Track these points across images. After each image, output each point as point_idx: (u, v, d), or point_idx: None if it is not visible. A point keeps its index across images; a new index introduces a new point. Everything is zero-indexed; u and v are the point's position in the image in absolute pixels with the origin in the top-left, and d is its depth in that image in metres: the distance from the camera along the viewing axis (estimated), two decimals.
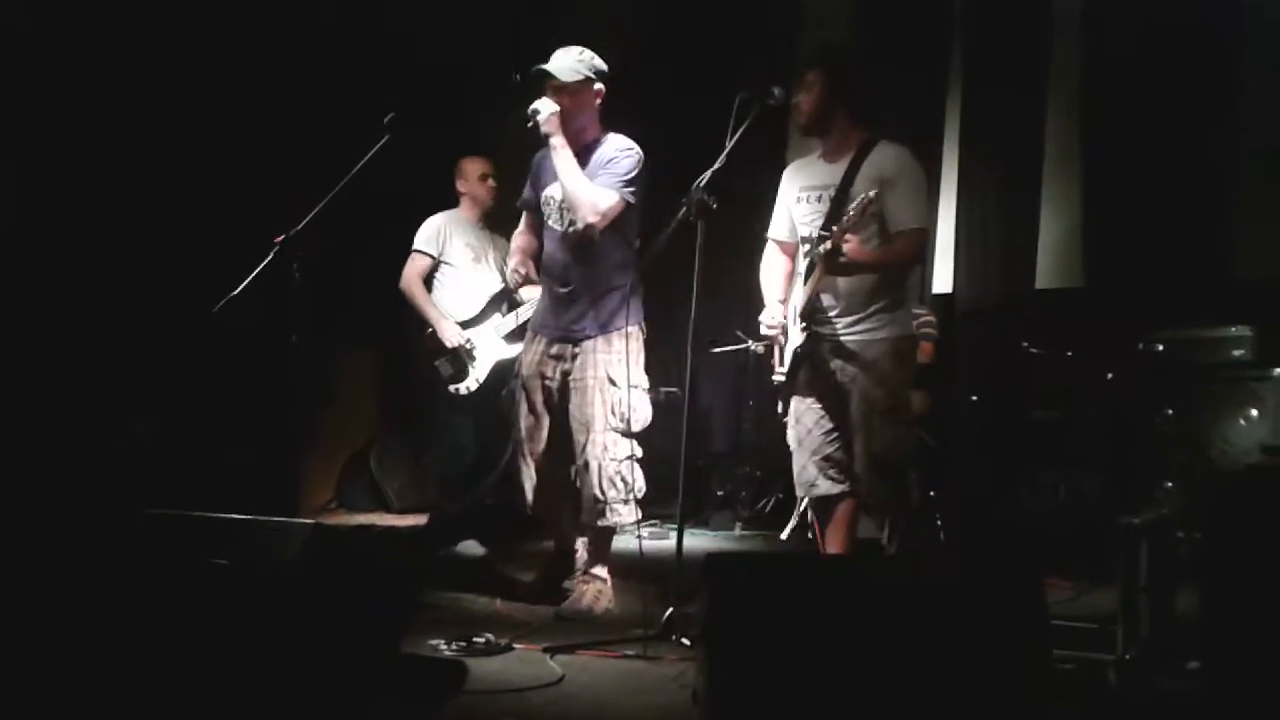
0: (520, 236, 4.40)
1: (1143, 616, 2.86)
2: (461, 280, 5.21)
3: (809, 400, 3.94)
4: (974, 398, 5.82)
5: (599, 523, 4.06)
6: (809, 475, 3.96)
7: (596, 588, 4.13)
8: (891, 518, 3.88)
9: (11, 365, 4.72)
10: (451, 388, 5.08)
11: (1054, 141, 6.51)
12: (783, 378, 3.98)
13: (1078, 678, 2.91)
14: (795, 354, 3.90)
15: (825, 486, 3.93)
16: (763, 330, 4.03)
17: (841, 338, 3.84)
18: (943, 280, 6.70)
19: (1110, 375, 5.46)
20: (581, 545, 4.30)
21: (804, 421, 3.96)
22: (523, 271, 4.29)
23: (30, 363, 4.79)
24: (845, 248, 3.57)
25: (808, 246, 3.88)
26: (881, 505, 3.88)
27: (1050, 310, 6.30)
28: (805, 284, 3.85)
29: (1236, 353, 5.08)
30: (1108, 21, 6.28)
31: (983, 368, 6.16)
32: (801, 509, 5.88)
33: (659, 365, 6.88)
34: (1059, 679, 2.78)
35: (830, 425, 3.91)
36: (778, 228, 4.09)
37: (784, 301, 4.01)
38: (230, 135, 5.54)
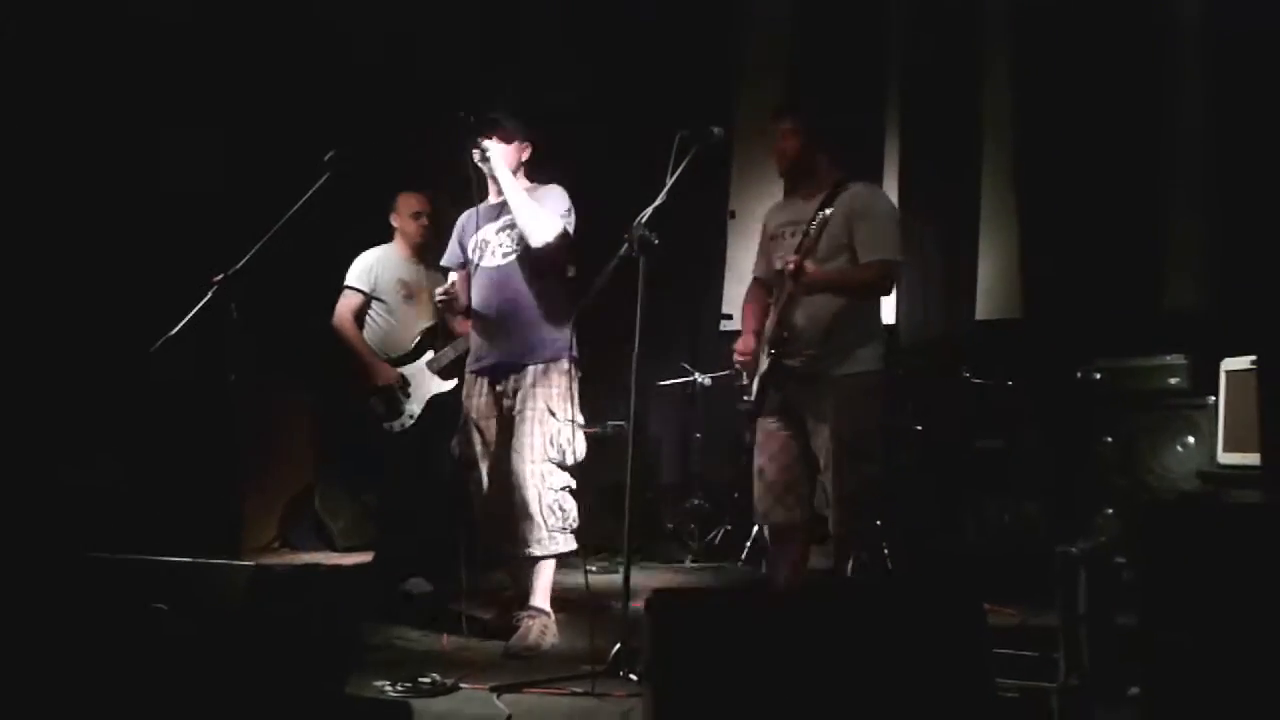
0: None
1: (1083, 644, 2.89)
2: (394, 317, 5.16)
3: (773, 428, 3.97)
4: (917, 427, 5.88)
5: (537, 551, 4.09)
6: (767, 503, 3.98)
7: (541, 623, 4.12)
8: (855, 551, 3.91)
9: None
10: (386, 425, 5.05)
11: (990, 176, 6.66)
12: (749, 405, 4.02)
13: (1021, 706, 2.94)
14: (761, 381, 3.94)
15: (782, 515, 3.95)
16: (735, 359, 4.09)
17: (810, 369, 3.88)
18: (886, 312, 6.75)
19: (1050, 403, 5.54)
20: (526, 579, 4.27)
21: (766, 449, 3.98)
22: (451, 293, 4.26)
23: None
24: (806, 264, 3.68)
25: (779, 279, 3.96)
26: (848, 540, 3.91)
27: (990, 341, 6.40)
28: (774, 312, 3.92)
29: (1173, 381, 5.19)
30: (1041, 62, 6.43)
31: (926, 397, 6.22)
32: (754, 537, 5.90)
33: (605, 399, 6.91)
34: (1002, 707, 2.80)
35: (793, 454, 3.93)
36: (759, 266, 4.20)
37: (758, 334, 4.06)
38: (168, 173, 5.48)
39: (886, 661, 2.44)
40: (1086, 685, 2.89)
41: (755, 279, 4.24)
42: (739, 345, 4.07)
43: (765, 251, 4.17)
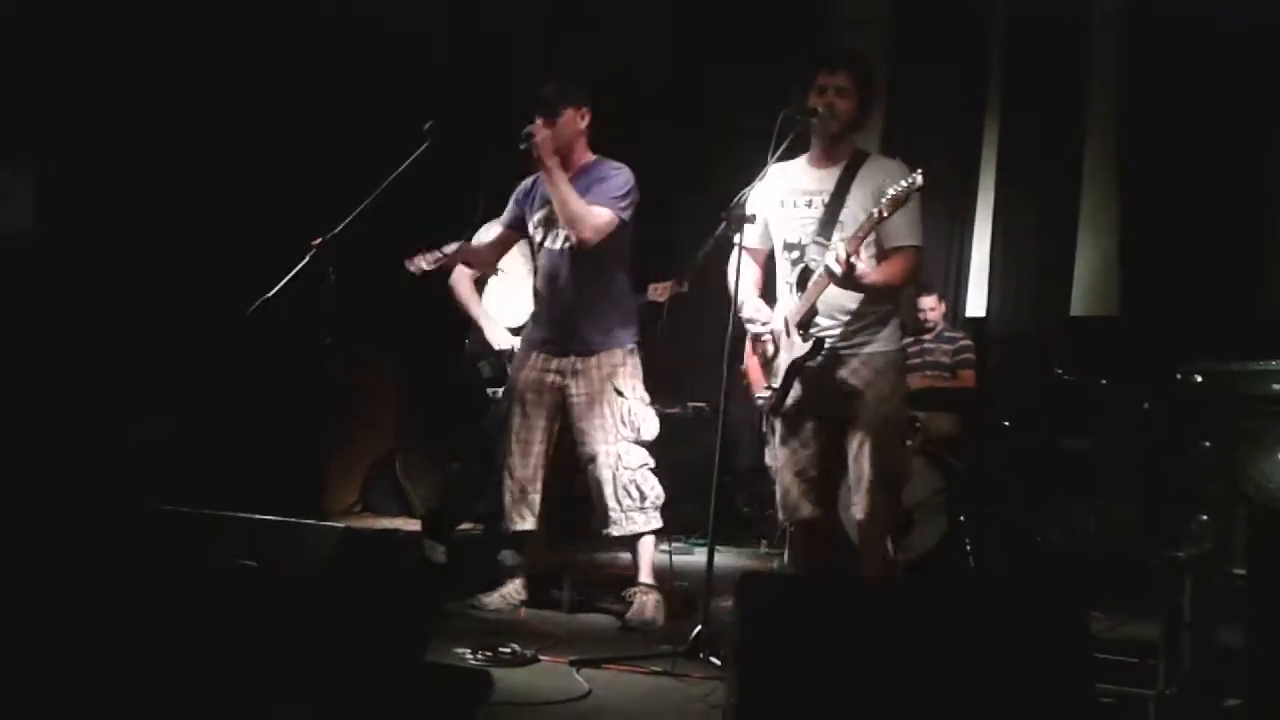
0: (484, 237, 4.43)
1: (1185, 652, 2.80)
2: (515, 287, 5.03)
3: (800, 417, 3.74)
4: (1006, 423, 5.76)
5: (615, 532, 4.13)
6: (793, 498, 3.76)
7: (655, 598, 4.15)
8: (892, 535, 3.81)
9: (44, 363, 4.72)
10: (490, 390, 5.03)
11: (1091, 168, 6.49)
12: (767, 393, 3.77)
13: (1116, 712, 2.86)
14: (791, 367, 3.67)
15: (808, 511, 3.74)
16: (756, 329, 3.77)
17: (840, 351, 3.65)
18: (977, 304, 6.65)
19: (1146, 405, 5.39)
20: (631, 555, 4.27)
21: (792, 441, 3.75)
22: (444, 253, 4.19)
23: (64, 360, 4.78)
24: (859, 265, 3.42)
25: (795, 254, 3.69)
26: (884, 525, 3.76)
27: (1085, 337, 6.25)
28: (798, 293, 3.65)
29: (1278, 386, 5.01)
30: (1147, 50, 6.25)
31: (1016, 393, 6.10)
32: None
33: (685, 381, 6.88)
34: (1099, 713, 2.72)
35: (820, 445, 3.71)
36: (750, 234, 3.78)
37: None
38: (270, 137, 5.54)
39: (982, 659, 2.38)
40: (1185, 694, 2.80)
41: (745, 249, 3.80)
42: (756, 313, 3.75)
43: (761, 219, 3.79)
